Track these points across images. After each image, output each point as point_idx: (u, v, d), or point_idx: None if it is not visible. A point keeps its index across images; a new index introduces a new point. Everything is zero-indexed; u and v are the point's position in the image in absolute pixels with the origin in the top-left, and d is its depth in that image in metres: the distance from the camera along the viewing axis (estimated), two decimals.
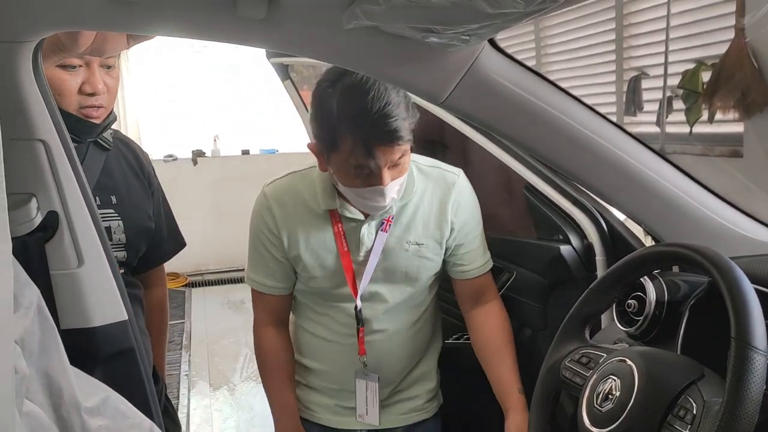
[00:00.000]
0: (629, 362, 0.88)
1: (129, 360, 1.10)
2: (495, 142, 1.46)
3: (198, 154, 5.66)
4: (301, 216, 1.38)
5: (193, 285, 5.51)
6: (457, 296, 1.51)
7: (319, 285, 1.42)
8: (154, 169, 1.61)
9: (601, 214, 1.38)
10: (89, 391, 0.98)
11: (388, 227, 1.38)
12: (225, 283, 5.57)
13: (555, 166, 1.24)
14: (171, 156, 5.50)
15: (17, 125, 0.93)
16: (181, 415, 3.35)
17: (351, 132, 1.20)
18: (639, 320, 1.07)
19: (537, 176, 1.43)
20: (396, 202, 1.34)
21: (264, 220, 1.39)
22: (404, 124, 1.20)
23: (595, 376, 0.93)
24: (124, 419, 0.99)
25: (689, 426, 0.77)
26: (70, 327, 1.03)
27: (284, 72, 2.19)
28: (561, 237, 1.42)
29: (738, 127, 3.18)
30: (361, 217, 1.36)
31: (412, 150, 1.29)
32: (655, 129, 3.60)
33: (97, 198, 1.37)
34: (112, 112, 1.42)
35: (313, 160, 1.36)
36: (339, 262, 1.39)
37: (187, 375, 3.84)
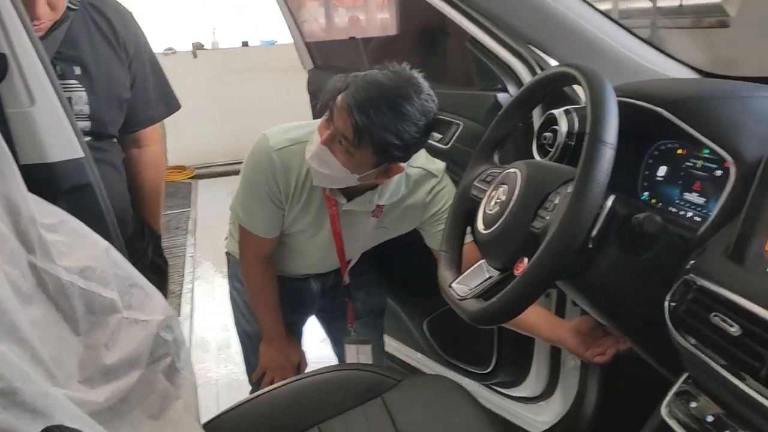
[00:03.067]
0: (516, 170, 0.98)
1: (88, 195, 1.22)
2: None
3: (197, 47, 5.64)
4: (303, 187, 1.43)
5: (199, 177, 5.66)
6: None
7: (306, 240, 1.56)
8: (138, 33, 1.62)
9: (538, 64, 1.44)
10: (47, 214, 1.10)
11: (379, 213, 1.50)
12: (231, 175, 5.69)
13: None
14: (170, 49, 5.48)
15: None
16: (186, 291, 3.58)
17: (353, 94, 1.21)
18: (552, 150, 1.16)
19: (479, 29, 1.48)
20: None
21: (272, 176, 1.40)
22: (385, 137, 1.21)
23: (491, 187, 1.03)
24: (80, 238, 1.12)
25: (550, 213, 0.88)
26: (28, 162, 1.14)
27: None
28: (500, 86, 1.49)
29: None
30: (353, 207, 1.47)
31: None
32: (648, 4, 3.55)
33: (57, 68, 1.43)
34: None
35: None
36: (331, 238, 1.53)
37: (192, 256, 4.05)
